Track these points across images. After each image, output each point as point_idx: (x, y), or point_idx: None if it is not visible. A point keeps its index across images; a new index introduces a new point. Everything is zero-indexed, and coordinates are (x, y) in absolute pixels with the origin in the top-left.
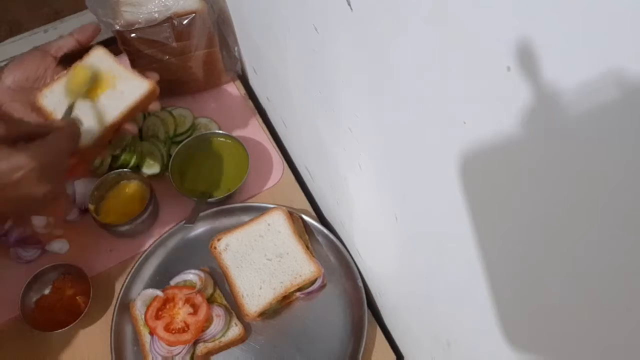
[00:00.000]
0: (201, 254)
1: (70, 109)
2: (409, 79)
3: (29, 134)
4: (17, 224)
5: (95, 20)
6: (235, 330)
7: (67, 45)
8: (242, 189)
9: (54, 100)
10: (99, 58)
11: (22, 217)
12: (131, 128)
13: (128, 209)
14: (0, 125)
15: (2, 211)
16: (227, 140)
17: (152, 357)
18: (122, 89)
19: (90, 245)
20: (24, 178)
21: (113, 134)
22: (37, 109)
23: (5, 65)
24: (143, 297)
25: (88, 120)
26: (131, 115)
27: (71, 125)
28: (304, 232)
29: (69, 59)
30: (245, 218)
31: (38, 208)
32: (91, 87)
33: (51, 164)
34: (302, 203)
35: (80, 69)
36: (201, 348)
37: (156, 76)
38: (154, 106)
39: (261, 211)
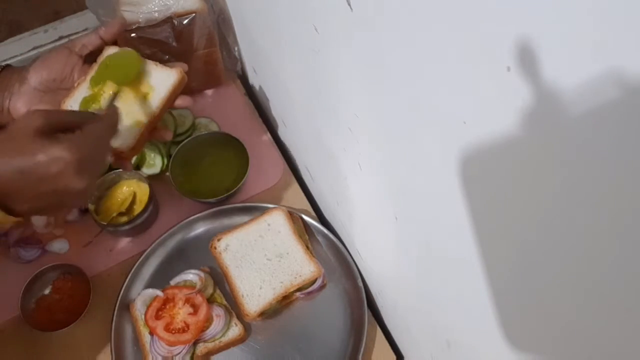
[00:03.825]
0: (201, 254)
1: (114, 96)
2: (409, 78)
3: (67, 124)
4: (49, 216)
5: (95, 21)
6: (235, 330)
7: (92, 42)
8: (242, 189)
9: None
10: None
11: (55, 212)
12: (165, 134)
13: (128, 209)
14: (39, 115)
15: (38, 206)
16: (227, 140)
17: (152, 357)
18: (153, 82)
19: (90, 245)
20: (62, 171)
21: (151, 131)
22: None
23: (30, 64)
24: (143, 297)
25: (127, 120)
26: (167, 107)
27: (112, 114)
28: (304, 232)
29: (90, 57)
30: (245, 218)
31: (73, 202)
32: (121, 88)
33: (91, 157)
34: (302, 203)
35: (128, 54)
36: (201, 348)
37: (184, 66)
38: (185, 101)
39: (261, 211)
